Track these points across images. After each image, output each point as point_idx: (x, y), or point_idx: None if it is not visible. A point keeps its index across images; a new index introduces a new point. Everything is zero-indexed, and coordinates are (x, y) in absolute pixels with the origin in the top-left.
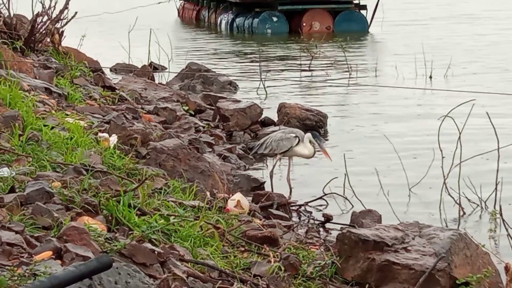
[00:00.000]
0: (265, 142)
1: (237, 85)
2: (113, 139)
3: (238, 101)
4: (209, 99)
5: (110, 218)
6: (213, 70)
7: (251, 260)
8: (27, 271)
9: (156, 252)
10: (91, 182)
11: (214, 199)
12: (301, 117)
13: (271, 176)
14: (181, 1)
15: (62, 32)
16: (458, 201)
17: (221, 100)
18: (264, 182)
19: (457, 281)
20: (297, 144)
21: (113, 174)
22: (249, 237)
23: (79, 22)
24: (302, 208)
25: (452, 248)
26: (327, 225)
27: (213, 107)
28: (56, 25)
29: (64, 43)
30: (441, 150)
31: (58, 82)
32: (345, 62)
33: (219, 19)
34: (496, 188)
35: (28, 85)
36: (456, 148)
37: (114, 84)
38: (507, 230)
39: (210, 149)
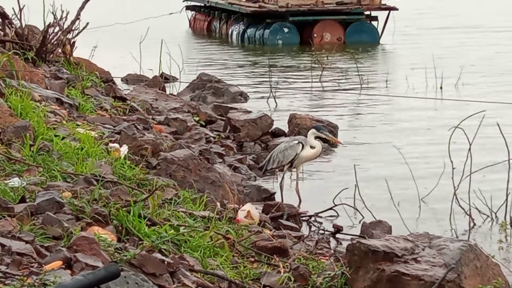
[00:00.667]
0: (272, 156)
1: (248, 96)
2: (124, 149)
3: (249, 112)
4: (220, 109)
5: (120, 228)
6: (224, 80)
7: (261, 271)
8: (37, 281)
9: (165, 262)
10: (102, 192)
11: (224, 210)
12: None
13: (281, 187)
14: (192, 12)
15: (74, 42)
16: (468, 212)
17: (231, 110)
18: (275, 192)
19: None
20: (302, 150)
21: (124, 184)
22: (259, 247)
23: (91, 32)
24: (313, 218)
25: (462, 259)
26: (337, 236)
27: (224, 118)
28: (67, 36)
29: (76, 53)
30: (451, 161)
31: (69, 92)
32: (356, 73)
33: (230, 30)
34: (506, 199)
35: (39, 96)
36: (467, 159)
37: (125, 94)
38: None
39: (221, 160)
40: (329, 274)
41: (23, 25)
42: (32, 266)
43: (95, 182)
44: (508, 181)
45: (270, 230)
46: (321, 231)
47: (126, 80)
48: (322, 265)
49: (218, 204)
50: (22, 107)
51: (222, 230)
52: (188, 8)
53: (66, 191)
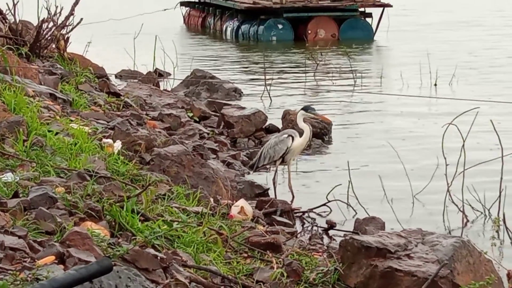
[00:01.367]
0: (262, 153)
1: (242, 92)
2: (117, 145)
3: (243, 108)
4: (214, 105)
5: (113, 223)
6: (218, 77)
7: (254, 266)
8: (30, 275)
9: (159, 258)
10: (95, 187)
11: (218, 205)
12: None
13: (273, 183)
14: (186, 8)
15: (68, 38)
16: (461, 209)
17: (225, 107)
18: (268, 188)
19: None
20: (292, 142)
21: (117, 179)
22: (252, 243)
23: (85, 28)
24: (306, 214)
25: (455, 255)
26: (331, 232)
27: (218, 114)
28: (61, 31)
29: (70, 49)
30: (445, 158)
31: (63, 88)
32: (350, 70)
33: (224, 26)
34: (499, 196)
35: (33, 91)
36: (460, 155)
37: (119, 90)
38: (510, 237)
39: (214, 156)
40: (322, 270)
41: (17, 21)
42: (25, 261)
43: (88, 178)
44: (501, 178)
45: (264, 226)
46: (314, 227)
47: (120, 76)
48: (315, 261)
49: (212, 199)
50: (16, 103)
51: (215, 225)
52: (182, 4)
53: (59, 186)
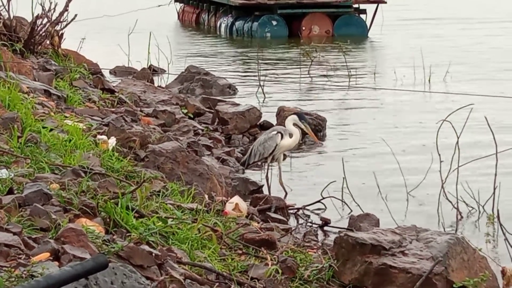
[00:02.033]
0: (252, 150)
1: (236, 89)
2: (112, 141)
3: (237, 105)
4: (208, 102)
5: (108, 220)
6: (213, 73)
7: (249, 263)
8: (25, 272)
9: (153, 254)
10: (89, 184)
11: (212, 202)
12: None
13: (267, 180)
14: (181, 4)
15: (62, 34)
16: (455, 205)
17: (220, 103)
18: (263, 185)
19: (454, 285)
20: (281, 140)
21: (112, 176)
22: (247, 240)
23: (79, 24)
24: (300, 211)
25: (449, 252)
26: (325, 229)
27: (212, 110)
28: (55, 28)
29: (64, 45)
30: (439, 154)
31: (57, 84)
32: (344, 66)
33: (218, 22)
34: (494, 193)
35: (27, 87)
36: (454, 152)
37: (114, 86)
38: (504, 234)
39: (209, 152)
40: (316, 267)
41: (11, 17)
42: (20, 258)
43: (83, 174)
44: (495, 175)
45: (258, 223)
46: (309, 224)
47: (115, 72)
48: (309, 257)
49: (206, 196)
50: (10, 99)
51: (210, 222)
52: (176, 0)
53: (54, 182)
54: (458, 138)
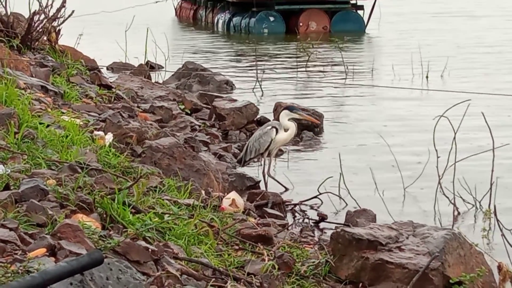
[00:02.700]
0: (248, 147)
1: (234, 85)
2: (109, 137)
3: (234, 100)
4: (205, 98)
5: (104, 216)
6: (210, 69)
7: (245, 259)
8: (21, 268)
9: (150, 250)
10: (86, 180)
11: (209, 198)
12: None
13: (263, 176)
14: (178, 1)
15: (59, 30)
16: (452, 201)
17: (217, 99)
18: (259, 181)
19: (451, 281)
20: (276, 134)
21: (108, 172)
22: (244, 235)
23: (76, 20)
24: (297, 207)
25: (445, 248)
26: (322, 224)
27: (209, 106)
28: (53, 24)
29: (61, 41)
30: (436, 150)
31: (54, 80)
32: (341, 62)
33: (216, 18)
34: (490, 188)
35: (24, 83)
36: (451, 148)
37: (111, 82)
38: (501, 229)
39: (206, 148)
40: (313, 262)
41: (9, 13)
42: (16, 253)
43: (79, 170)
44: (492, 170)
45: (255, 218)
46: (305, 220)
47: (112, 68)
48: (306, 253)
49: (203, 192)
50: (7, 95)
51: (206, 218)
52: None
53: (50, 178)
54: (455, 133)
